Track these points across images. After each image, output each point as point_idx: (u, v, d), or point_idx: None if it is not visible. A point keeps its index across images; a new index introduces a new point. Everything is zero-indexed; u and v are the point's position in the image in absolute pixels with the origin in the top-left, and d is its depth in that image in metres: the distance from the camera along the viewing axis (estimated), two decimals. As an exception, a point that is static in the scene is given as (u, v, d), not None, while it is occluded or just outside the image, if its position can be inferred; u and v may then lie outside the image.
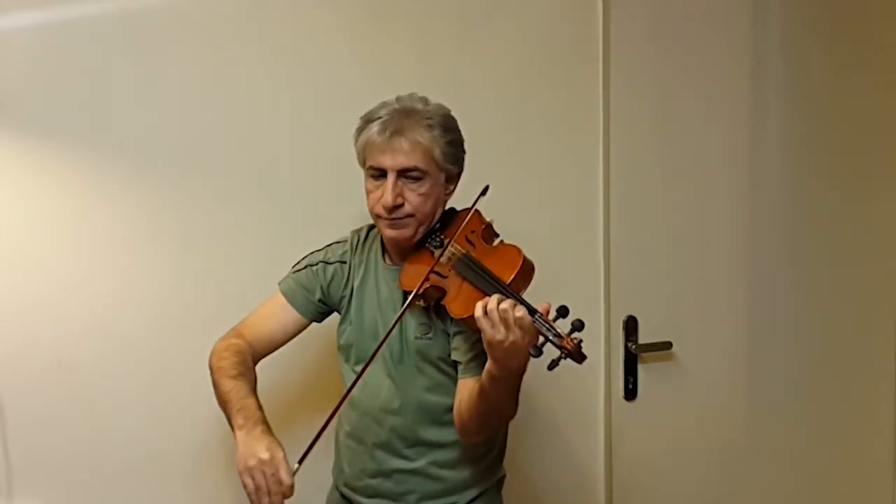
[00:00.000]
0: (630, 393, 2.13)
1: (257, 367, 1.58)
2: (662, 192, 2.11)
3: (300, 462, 1.38)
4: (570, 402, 2.11)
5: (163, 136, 1.78)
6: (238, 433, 1.39)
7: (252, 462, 1.34)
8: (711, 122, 2.12)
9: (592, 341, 2.09)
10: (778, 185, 2.21)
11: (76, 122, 1.74)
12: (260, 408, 1.44)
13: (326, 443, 1.62)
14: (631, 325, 2.11)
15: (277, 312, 1.62)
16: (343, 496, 1.67)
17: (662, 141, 2.09)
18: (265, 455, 1.34)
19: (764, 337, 2.23)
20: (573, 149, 2.05)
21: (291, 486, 1.33)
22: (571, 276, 2.05)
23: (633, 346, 2.11)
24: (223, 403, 1.47)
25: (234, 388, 1.46)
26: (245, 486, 1.34)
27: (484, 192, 1.54)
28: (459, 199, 1.59)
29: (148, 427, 1.81)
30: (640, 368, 2.13)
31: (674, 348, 2.14)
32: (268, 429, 1.39)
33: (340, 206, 1.81)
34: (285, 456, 1.35)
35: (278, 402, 1.88)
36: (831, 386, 2.30)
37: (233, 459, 1.85)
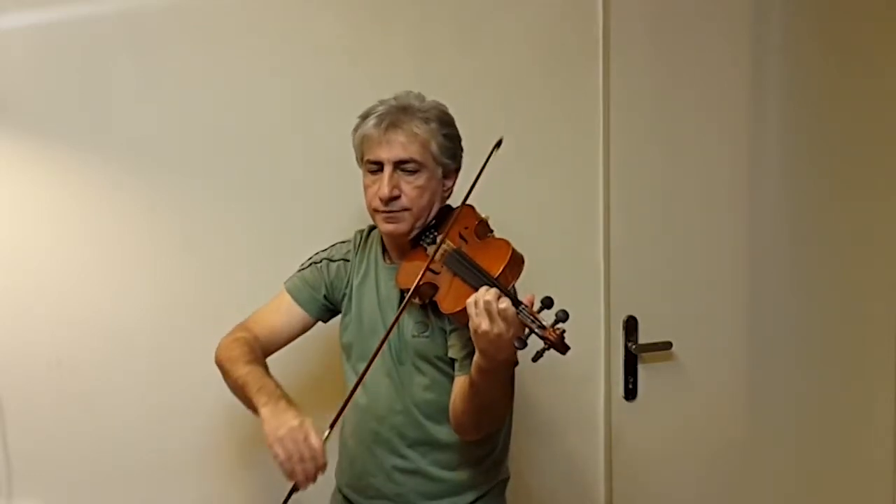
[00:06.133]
0: (630, 393, 2.13)
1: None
2: (662, 192, 2.11)
3: (331, 427, 1.39)
4: (570, 402, 2.11)
5: (163, 136, 1.78)
6: (263, 410, 1.39)
7: (282, 431, 1.34)
8: (711, 122, 2.12)
9: (592, 341, 2.10)
10: (778, 185, 2.21)
11: (76, 122, 1.74)
12: (279, 386, 1.44)
13: (331, 444, 1.62)
14: (631, 325, 2.11)
15: (283, 310, 1.62)
16: (345, 497, 1.67)
17: (662, 141, 2.09)
18: (294, 422, 1.34)
19: (764, 337, 2.23)
20: (573, 149, 2.06)
21: (323, 452, 1.34)
22: (571, 276, 2.06)
23: (633, 346, 2.11)
24: (240, 388, 1.47)
25: (250, 372, 1.47)
26: (277, 457, 1.34)
27: (498, 145, 1.51)
28: (458, 198, 1.59)
29: (148, 427, 1.81)
30: (640, 368, 2.13)
31: (674, 348, 2.14)
32: (291, 402, 1.40)
33: (341, 206, 1.82)
34: (313, 423, 1.35)
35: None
36: (831, 386, 2.30)
37: (234, 458, 1.88)
